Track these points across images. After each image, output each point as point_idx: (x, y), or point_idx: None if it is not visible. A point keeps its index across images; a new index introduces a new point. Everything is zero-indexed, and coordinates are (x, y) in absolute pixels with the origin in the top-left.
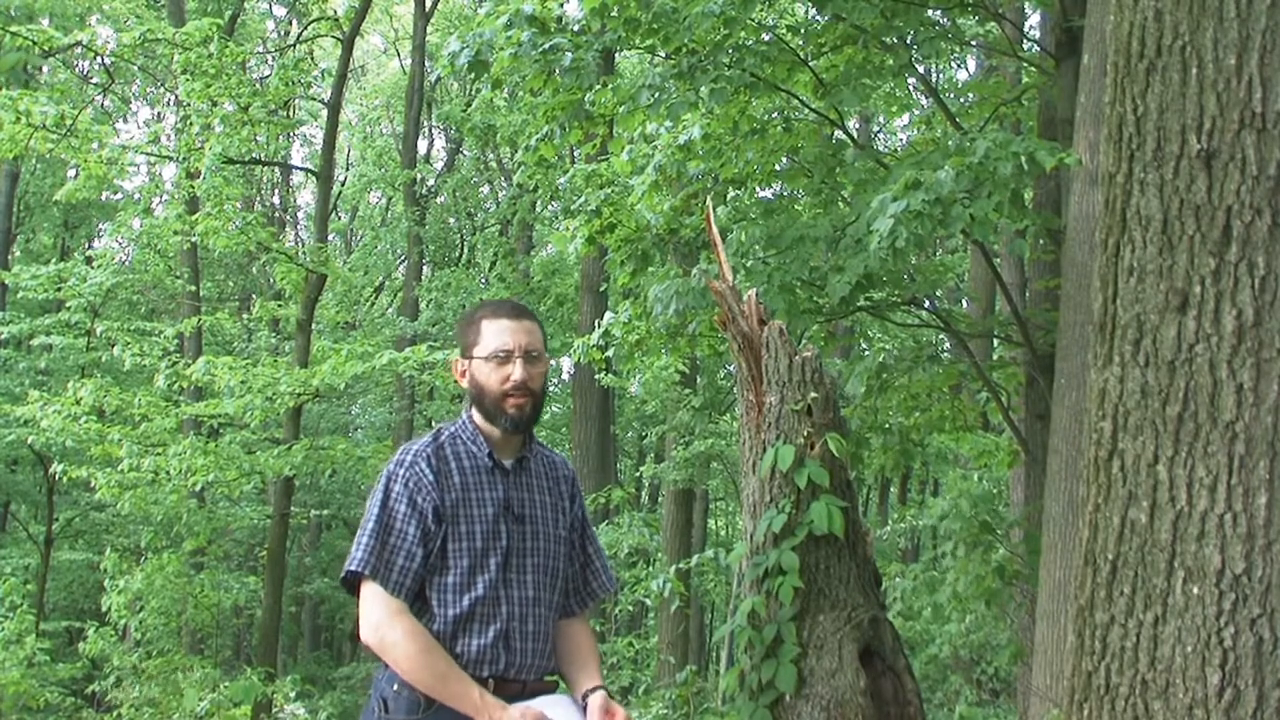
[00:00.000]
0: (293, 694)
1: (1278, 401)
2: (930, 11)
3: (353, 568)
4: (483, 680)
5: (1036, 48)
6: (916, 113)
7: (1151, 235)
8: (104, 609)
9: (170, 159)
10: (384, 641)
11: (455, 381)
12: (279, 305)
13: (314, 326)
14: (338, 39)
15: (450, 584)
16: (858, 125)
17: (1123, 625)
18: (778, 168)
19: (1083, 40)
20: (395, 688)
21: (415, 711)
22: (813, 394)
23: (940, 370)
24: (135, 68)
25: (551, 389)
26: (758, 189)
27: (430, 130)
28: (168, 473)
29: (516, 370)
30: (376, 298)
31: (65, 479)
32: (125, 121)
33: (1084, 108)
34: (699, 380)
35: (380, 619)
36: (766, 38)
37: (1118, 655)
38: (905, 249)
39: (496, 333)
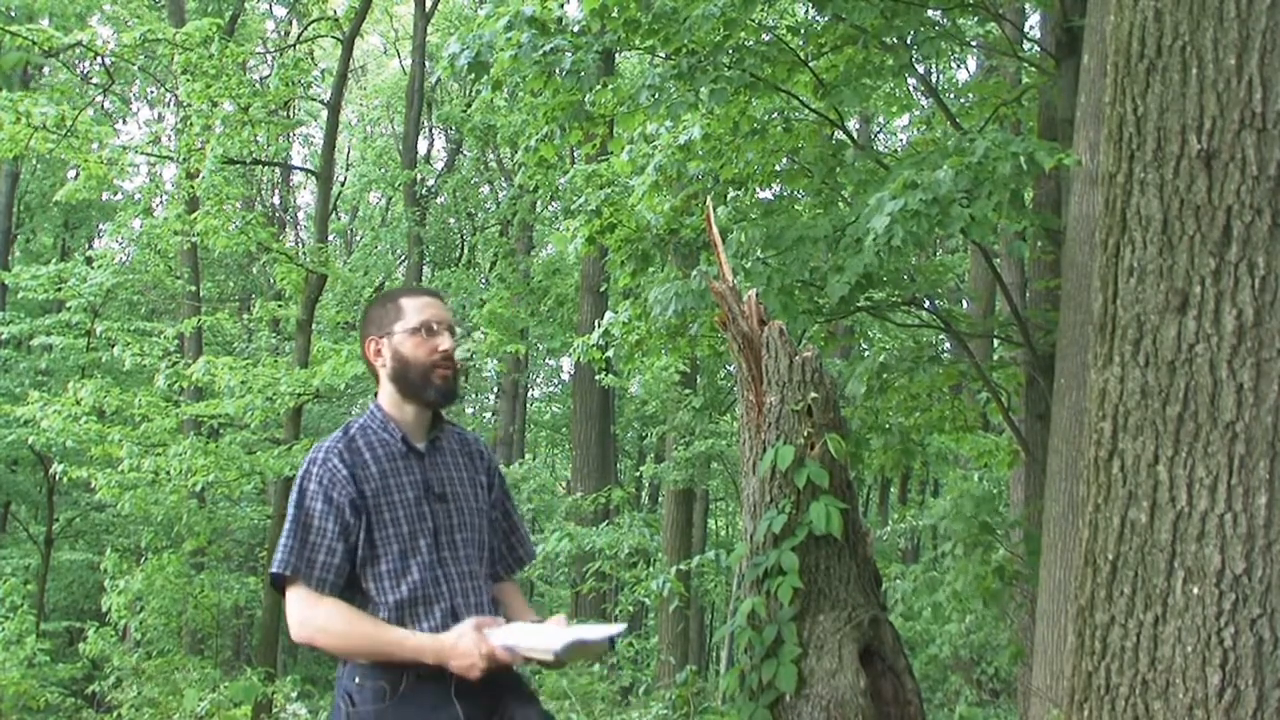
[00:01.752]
0: (293, 694)
1: (1278, 402)
2: (930, 11)
3: (274, 570)
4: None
5: (1036, 48)
6: (916, 113)
7: (1151, 235)
8: (104, 609)
9: (170, 159)
10: (313, 630)
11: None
12: (279, 305)
13: (314, 327)
14: (338, 39)
15: (385, 572)
16: (858, 125)
17: (1123, 625)
18: (778, 168)
19: (1083, 40)
20: (357, 680)
21: (381, 699)
22: (813, 394)
23: (940, 370)
24: (135, 68)
25: (552, 389)
26: (758, 189)
27: (430, 130)
28: (168, 473)
29: (446, 340)
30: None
31: (65, 479)
32: (125, 122)
33: (1084, 108)
34: (699, 380)
35: (304, 614)
36: (766, 38)
37: (1118, 655)
38: (903, 248)
39: (421, 308)
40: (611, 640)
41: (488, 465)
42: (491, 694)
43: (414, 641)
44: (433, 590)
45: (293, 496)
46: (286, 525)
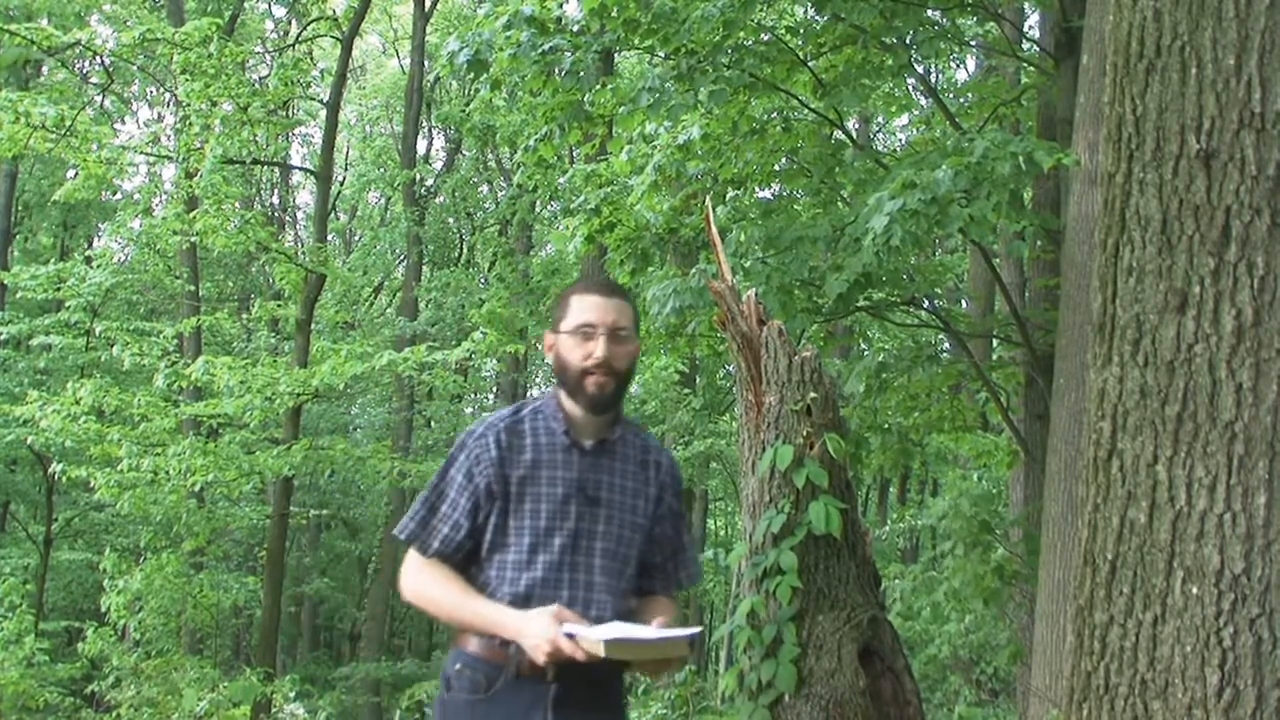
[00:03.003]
0: (292, 694)
1: (1277, 401)
2: (930, 11)
3: (396, 533)
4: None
5: (1036, 48)
6: (916, 113)
7: (1151, 235)
8: (103, 609)
9: (170, 159)
10: (415, 592)
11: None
12: (278, 305)
13: (313, 326)
14: (337, 39)
15: (510, 562)
16: (857, 125)
17: (1122, 625)
18: (777, 168)
19: (1082, 40)
20: (457, 667)
21: (477, 691)
22: (812, 394)
23: (940, 370)
24: (135, 68)
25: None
26: (757, 189)
27: (430, 130)
28: (167, 473)
29: (599, 348)
30: (376, 298)
31: (65, 479)
32: (125, 122)
33: (1083, 108)
34: (699, 380)
35: (408, 577)
36: (766, 38)
37: (1117, 655)
38: (902, 248)
39: (584, 308)
40: (690, 640)
41: (660, 478)
42: (590, 713)
43: (495, 614)
44: (551, 593)
45: (445, 461)
46: (427, 487)
